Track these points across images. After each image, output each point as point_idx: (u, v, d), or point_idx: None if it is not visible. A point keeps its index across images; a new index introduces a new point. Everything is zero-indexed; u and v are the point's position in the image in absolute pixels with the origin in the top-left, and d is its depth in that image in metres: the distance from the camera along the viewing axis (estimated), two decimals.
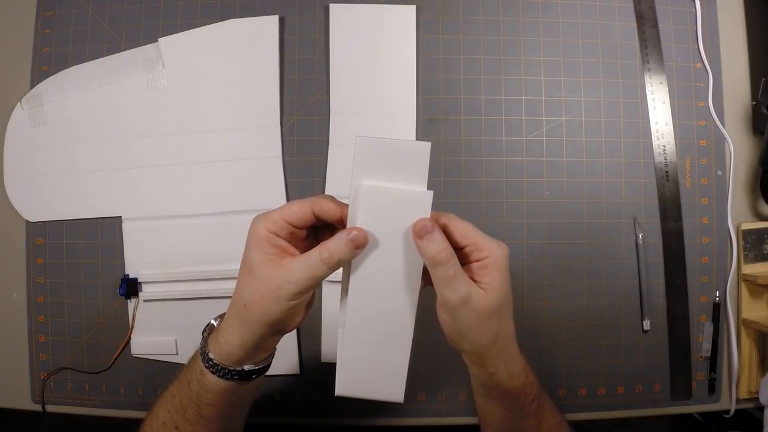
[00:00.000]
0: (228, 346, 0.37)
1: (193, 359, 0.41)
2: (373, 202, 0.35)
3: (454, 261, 0.34)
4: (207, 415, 0.40)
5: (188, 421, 0.40)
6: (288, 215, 0.35)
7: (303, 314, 0.39)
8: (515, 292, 0.42)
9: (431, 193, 0.35)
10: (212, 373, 0.38)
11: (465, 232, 0.35)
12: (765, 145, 0.59)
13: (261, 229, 0.35)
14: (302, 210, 0.35)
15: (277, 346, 0.41)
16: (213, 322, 0.41)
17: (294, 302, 0.35)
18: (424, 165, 0.34)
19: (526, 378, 0.39)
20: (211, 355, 0.38)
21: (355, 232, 0.34)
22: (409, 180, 0.35)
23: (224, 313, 0.40)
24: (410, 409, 0.61)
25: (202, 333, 0.41)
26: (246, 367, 0.39)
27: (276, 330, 0.38)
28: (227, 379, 0.38)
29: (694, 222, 0.62)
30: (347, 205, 0.36)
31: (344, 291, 0.37)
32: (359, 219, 0.35)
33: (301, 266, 0.35)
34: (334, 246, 0.34)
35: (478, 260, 0.35)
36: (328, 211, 0.36)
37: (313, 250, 0.35)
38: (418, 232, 0.34)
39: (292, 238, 0.36)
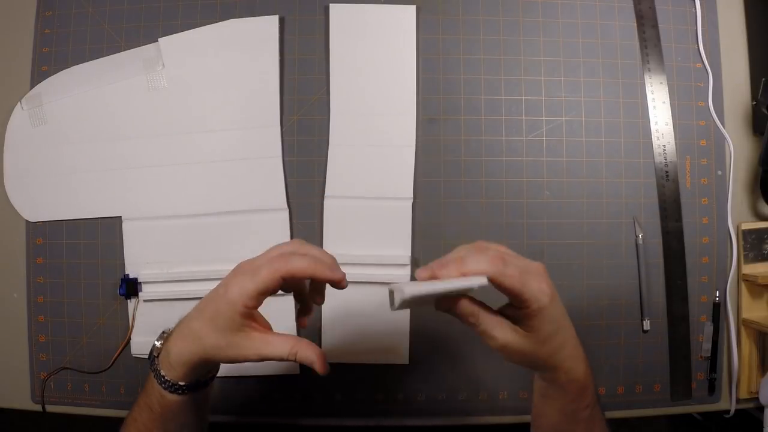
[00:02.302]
0: (181, 368, 0.40)
1: (148, 383, 0.43)
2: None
3: (483, 317, 0.36)
4: (171, 430, 0.43)
5: None
6: (264, 287, 0.37)
7: None
8: None
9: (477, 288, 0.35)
10: (171, 392, 0.40)
11: (508, 288, 0.35)
12: (765, 145, 0.59)
13: (238, 302, 0.37)
14: (273, 279, 0.37)
15: None
16: (157, 344, 0.43)
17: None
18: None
19: (585, 383, 0.40)
20: (166, 377, 0.40)
21: (317, 360, 0.39)
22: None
23: (165, 333, 0.42)
24: (411, 409, 0.61)
25: (149, 357, 0.43)
26: (200, 379, 0.42)
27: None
28: (186, 393, 0.41)
29: (694, 222, 0.62)
30: (320, 265, 0.38)
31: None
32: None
33: (271, 350, 0.38)
34: (303, 356, 0.38)
35: (519, 307, 0.36)
36: (298, 274, 0.37)
37: (283, 340, 0.38)
38: (444, 309, 0.37)
39: (260, 304, 0.39)
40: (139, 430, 0.43)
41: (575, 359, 0.39)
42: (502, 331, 0.36)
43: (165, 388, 0.40)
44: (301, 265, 0.37)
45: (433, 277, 0.35)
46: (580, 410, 0.40)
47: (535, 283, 0.35)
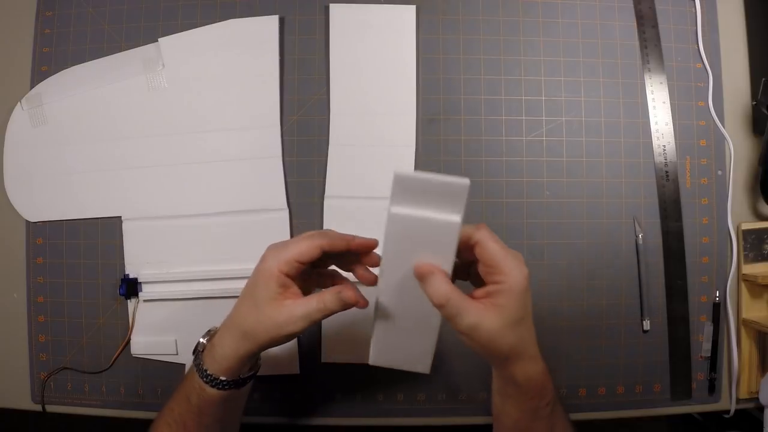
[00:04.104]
0: (225, 361, 0.41)
1: (189, 376, 0.44)
2: (402, 229, 0.36)
3: (454, 300, 0.36)
4: (207, 424, 0.44)
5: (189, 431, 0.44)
6: (299, 255, 0.39)
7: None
8: None
9: (458, 223, 0.35)
10: (212, 386, 0.42)
11: (491, 254, 0.37)
12: (765, 145, 0.59)
13: (273, 267, 0.39)
14: (310, 248, 0.40)
15: (278, 347, 0.43)
16: (202, 340, 0.45)
17: (291, 337, 0.41)
18: (461, 201, 0.35)
19: (543, 381, 0.40)
20: (209, 371, 0.42)
21: (347, 293, 0.40)
22: (444, 213, 0.35)
23: (212, 331, 0.44)
24: (409, 409, 0.61)
25: (194, 352, 0.44)
26: (242, 375, 0.43)
27: (267, 348, 0.42)
28: (226, 388, 0.42)
29: (694, 222, 0.62)
30: (352, 236, 0.42)
31: (378, 286, 0.39)
32: (388, 244, 0.36)
33: (303, 310, 0.40)
34: (328, 299, 0.40)
35: (495, 282, 0.37)
36: (336, 246, 0.41)
37: (312, 297, 0.40)
38: (418, 275, 0.37)
39: (296, 273, 0.40)
40: (174, 420, 0.44)
41: (533, 359, 0.39)
42: (474, 311, 0.36)
43: (206, 382, 0.42)
44: (336, 236, 0.41)
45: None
46: (540, 408, 0.41)
47: (515, 261, 0.37)
